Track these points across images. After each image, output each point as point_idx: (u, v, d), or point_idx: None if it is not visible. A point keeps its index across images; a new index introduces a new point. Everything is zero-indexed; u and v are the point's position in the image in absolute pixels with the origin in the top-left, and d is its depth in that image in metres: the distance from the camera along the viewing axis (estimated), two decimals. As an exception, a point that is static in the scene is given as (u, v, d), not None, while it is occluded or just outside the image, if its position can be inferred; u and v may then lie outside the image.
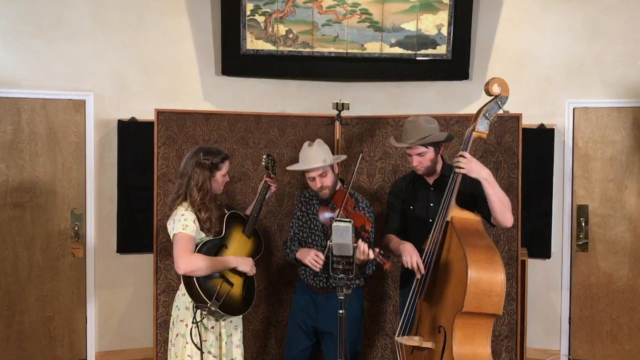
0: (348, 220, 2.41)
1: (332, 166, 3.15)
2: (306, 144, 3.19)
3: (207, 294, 2.85)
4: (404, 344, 2.87)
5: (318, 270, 3.05)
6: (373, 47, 4.52)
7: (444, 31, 4.47)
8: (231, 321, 3.09)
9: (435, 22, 4.46)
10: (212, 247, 2.97)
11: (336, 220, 2.41)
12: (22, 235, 4.25)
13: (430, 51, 4.51)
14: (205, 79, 4.59)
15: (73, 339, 4.39)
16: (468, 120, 3.69)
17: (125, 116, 4.36)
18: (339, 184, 3.23)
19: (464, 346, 2.58)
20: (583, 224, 4.42)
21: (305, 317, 3.25)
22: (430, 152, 2.98)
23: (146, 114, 4.19)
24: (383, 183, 3.99)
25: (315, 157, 3.09)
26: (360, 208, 3.16)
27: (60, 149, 4.30)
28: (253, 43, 4.48)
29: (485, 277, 2.52)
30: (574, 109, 4.44)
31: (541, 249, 4.41)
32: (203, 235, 2.98)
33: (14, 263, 4.24)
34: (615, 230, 4.38)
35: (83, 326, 4.40)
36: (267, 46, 4.49)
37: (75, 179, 4.34)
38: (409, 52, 4.52)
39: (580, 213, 4.43)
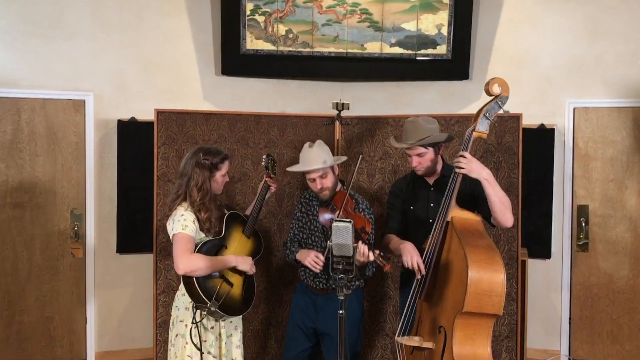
0: (348, 220, 2.40)
1: (332, 167, 3.15)
2: (307, 145, 3.18)
3: (206, 294, 2.85)
4: (404, 344, 2.86)
5: (318, 271, 3.05)
6: (373, 47, 4.52)
7: (444, 31, 4.46)
8: (231, 321, 3.09)
9: (435, 22, 4.45)
10: (212, 247, 2.97)
11: (336, 221, 2.41)
12: (21, 236, 4.24)
13: (430, 51, 4.50)
14: (205, 78, 4.58)
15: (73, 339, 4.38)
16: (468, 120, 3.69)
17: (125, 116, 4.36)
18: (339, 185, 3.22)
19: (464, 346, 2.58)
20: (583, 224, 4.41)
21: (304, 318, 3.25)
22: (429, 153, 2.98)
23: (146, 114, 4.18)
24: (383, 183, 3.98)
25: (316, 159, 3.09)
26: (361, 209, 3.15)
27: (60, 149, 4.30)
28: (253, 43, 4.47)
29: (486, 277, 2.52)
30: (574, 109, 4.44)
31: (541, 249, 4.41)
32: (203, 235, 2.97)
33: (13, 263, 4.23)
34: (616, 230, 4.37)
35: (83, 326, 4.40)
36: (267, 46, 4.48)
37: (75, 179, 4.34)
38: (409, 52, 4.51)
39: (581, 213, 4.43)
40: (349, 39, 4.50)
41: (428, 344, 2.73)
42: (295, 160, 3.36)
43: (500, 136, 3.79)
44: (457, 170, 2.72)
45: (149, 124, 3.90)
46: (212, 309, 2.84)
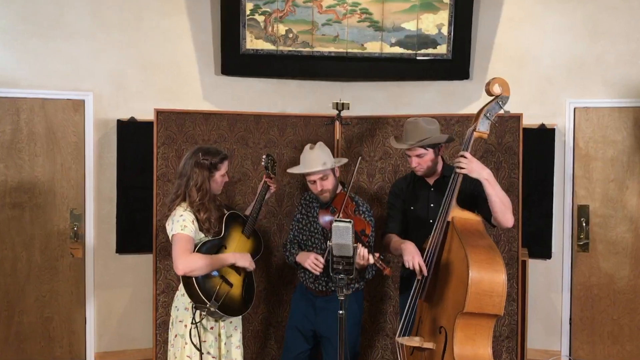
0: (348, 220, 2.40)
1: (333, 169, 3.14)
2: (307, 146, 3.17)
3: (206, 295, 2.84)
4: (405, 345, 2.86)
5: (318, 274, 3.04)
6: (373, 47, 4.51)
7: (445, 31, 4.45)
8: (231, 322, 3.08)
9: (435, 22, 4.44)
10: (212, 248, 2.96)
11: (336, 221, 2.40)
12: (21, 236, 4.23)
13: (430, 51, 4.50)
14: (205, 78, 4.57)
15: (72, 340, 4.37)
16: (468, 120, 3.68)
17: (125, 116, 4.35)
18: (340, 187, 3.21)
19: (464, 347, 2.57)
20: (584, 224, 4.41)
21: (304, 321, 3.24)
22: (429, 154, 2.97)
23: (145, 114, 4.18)
24: (383, 183, 3.97)
25: (316, 160, 3.08)
26: (361, 212, 3.14)
27: (59, 149, 4.29)
28: (253, 43, 4.47)
29: (487, 277, 2.51)
30: (574, 108, 4.43)
31: (542, 249, 4.40)
32: (202, 235, 2.97)
33: (13, 263, 4.23)
34: (616, 230, 4.37)
35: (82, 327, 4.39)
36: (266, 46, 4.48)
37: (74, 179, 4.33)
38: (409, 51, 4.51)
39: (581, 213, 4.42)
40: (349, 38, 4.49)
41: (428, 345, 2.72)
42: (295, 160, 3.35)
43: (501, 136, 3.78)
44: (458, 170, 2.72)
45: (149, 124, 3.89)
46: (212, 309, 2.84)
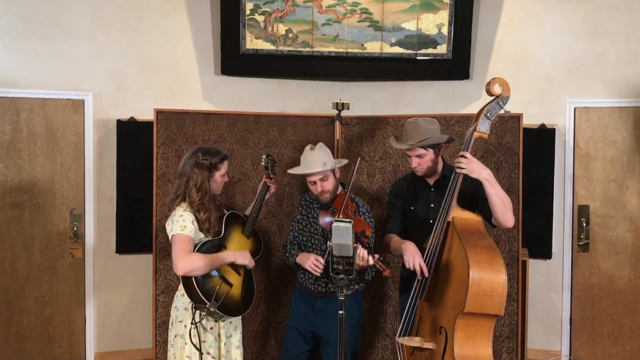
0: (348, 220, 2.39)
1: (333, 170, 3.14)
2: (308, 147, 3.17)
3: (206, 295, 2.84)
4: (405, 345, 2.85)
5: (318, 274, 3.03)
6: (373, 47, 4.50)
7: (445, 30, 4.45)
8: (230, 322, 3.08)
9: (435, 22, 4.44)
10: (211, 248, 2.96)
11: (336, 221, 2.40)
12: (20, 236, 4.23)
13: (430, 51, 4.49)
14: (205, 78, 4.57)
15: (72, 340, 4.37)
16: (469, 120, 3.68)
17: (125, 116, 4.35)
18: (340, 188, 3.21)
19: (465, 347, 2.57)
20: (584, 224, 4.40)
21: (303, 322, 3.24)
22: (429, 154, 2.97)
23: (145, 114, 4.17)
24: (383, 183, 3.97)
25: (317, 161, 3.08)
26: (361, 213, 3.14)
27: (59, 149, 4.29)
28: (253, 42, 4.46)
29: (487, 277, 2.51)
30: (575, 108, 4.42)
31: (542, 249, 4.40)
32: (202, 235, 2.96)
33: (12, 263, 4.22)
34: (617, 230, 4.36)
35: (82, 327, 4.39)
36: (266, 46, 4.47)
37: (74, 179, 4.32)
38: (409, 51, 4.50)
39: (582, 213, 4.42)
40: (349, 38, 4.49)
41: (429, 345, 2.72)
42: (295, 160, 3.35)
43: (501, 136, 3.78)
44: (458, 170, 2.71)
45: (149, 124, 3.89)
46: (212, 309, 2.83)
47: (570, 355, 4.47)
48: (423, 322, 2.85)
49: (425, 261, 2.77)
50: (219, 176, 3.02)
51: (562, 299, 4.48)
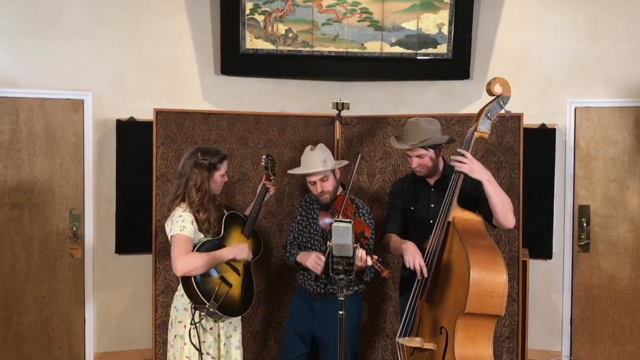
0: (348, 220, 2.39)
1: (333, 171, 3.13)
2: (308, 147, 3.17)
3: (205, 295, 2.83)
4: (405, 345, 2.84)
5: (319, 273, 3.02)
6: (373, 47, 4.50)
7: (445, 30, 4.44)
8: (230, 322, 3.07)
9: (436, 21, 4.43)
10: (211, 248, 2.95)
11: (336, 221, 2.39)
12: (20, 236, 4.22)
13: (430, 50, 4.48)
14: (205, 78, 4.56)
15: (71, 340, 4.36)
16: (469, 120, 3.68)
17: (124, 116, 4.34)
18: (340, 189, 3.20)
19: (465, 347, 2.56)
20: (585, 224, 4.39)
21: (302, 323, 3.23)
22: (430, 154, 2.96)
23: (145, 114, 4.16)
24: (383, 183, 3.96)
25: (317, 161, 3.07)
26: (361, 214, 3.13)
27: (59, 149, 4.28)
28: (252, 42, 4.45)
29: (488, 277, 2.50)
30: (575, 108, 4.42)
31: (542, 249, 4.39)
32: (202, 236, 2.95)
33: (12, 264, 4.21)
34: (617, 230, 4.35)
35: (81, 327, 4.38)
36: (266, 45, 4.46)
37: (73, 179, 4.32)
38: (410, 51, 4.49)
39: (582, 213, 4.41)
40: (349, 38, 4.48)
41: (429, 345, 2.71)
42: (295, 160, 3.34)
43: (501, 136, 3.77)
44: (457, 167, 2.70)
45: (148, 124, 3.88)
46: (211, 309, 2.82)
47: (570, 355, 4.46)
48: (423, 323, 2.84)
49: (425, 261, 2.76)
50: (219, 176, 3.01)
51: (563, 299, 4.47)
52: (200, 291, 2.82)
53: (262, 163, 3.33)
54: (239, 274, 3.03)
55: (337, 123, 3.94)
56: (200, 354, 2.88)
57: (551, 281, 4.49)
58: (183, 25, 4.50)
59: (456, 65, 4.50)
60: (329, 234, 2.89)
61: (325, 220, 3.04)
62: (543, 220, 4.35)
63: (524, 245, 3.97)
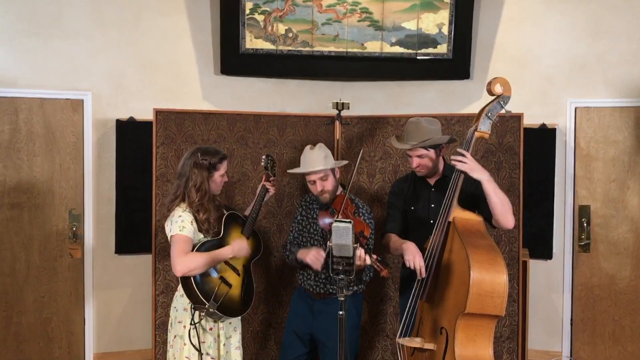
0: (348, 220, 2.38)
1: (333, 171, 3.13)
2: (308, 147, 3.17)
3: (205, 295, 2.82)
4: (405, 346, 2.84)
5: (318, 268, 3.01)
6: (373, 46, 4.49)
7: (445, 30, 4.44)
8: (230, 322, 3.07)
9: (436, 21, 4.43)
10: (211, 248, 2.94)
11: (336, 221, 2.39)
12: (19, 236, 4.22)
13: (431, 50, 4.48)
14: (204, 78, 4.55)
15: (71, 341, 4.36)
16: (469, 120, 3.68)
17: (124, 116, 4.33)
18: (340, 189, 3.20)
19: (466, 348, 2.56)
20: (585, 224, 4.39)
21: (301, 324, 3.22)
22: (431, 154, 2.96)
23: (145, 114, 4.16)
24: (383, 183, 3.96)
25: (317, 160, 3.07)
26: (361, 214, 3.13)
27: (58, 149, 4.27)
28: (252, 42, 4.45)
29: (488, 278, 2.50)
30: (576, 108, 4.41)
31: (543, 249, 4.38)
32: (201, 236, 2.95)
33: (11, 264, 4.21)
34: (618, 230, 4.35)
35: (81, 328, 4.37)
36: (266, 45, 4.46)
37: (73, 179, 4.31)
38: (410, 51, 4.49)
39: (582, 213, 4.40)
40: (349, 38, 4.47)
41: (429, 345, 2.71)
42: (295, 160, 3.34)
43: (502, 136, 3.77)
44: (458, 166, 2.70)
45: (148, 124, 3.88)
46: (211, 310, 2.82)
47: (571, 356, 4.46)
48: (423, 323, 2.84)
49: (425, 261, 2.76)
50: (219, 176, 3.01)
51: (563, 300, 4.46)
52: (200, 291, 2.82)
53: (262, 163, 3.32)
54: (238, 274, 3.03)
55: (337, 123, 3.94)
56: (200, 354, 2.88)
57: (551, 281, 4.48)
58: (183, 25, 4.50)
59: (456, 65, 4.49)
60: (328, 234, 2.89)
61: (325, 220, 3.03)
62: (543, 221, 4.35)
63: (524, 246, 3.97)
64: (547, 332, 4.50)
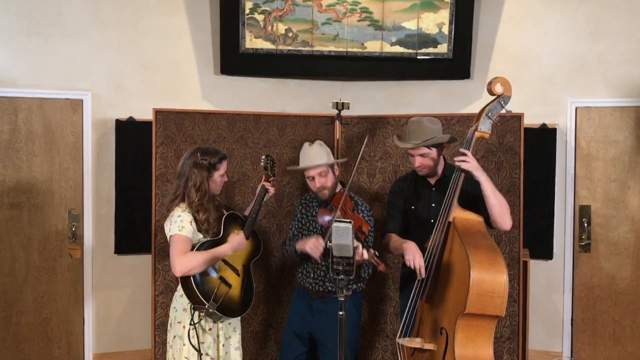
0: (348, 220, 2.38)
1: (332, 167, 3.13)
2: (306, 144, 3.17)
3: (205, 295, 2.82)
4: (405, 346, 2.83)
5: (318, 257, 2.99)
6: (373, 46, 4.48)
7: (445, 30, 4.43)
8: (230, 323, 3.06)
9: (436, 21, 4.42)
10: (210, 248, 2.93)
11: (336, 221, 2.38)
12: (19, 236, 4.21)
13: (431, 50, 4.47)
14: (204, 78, 4.55)
15: (70, 341, 4.35)
16: (469, 119, 3.67)
17: (123, 116, 4.32)
18: (339, 186, 3.20)
19: (466, 348, 2.56)
20: (585, 224, 4.38)
21: (300, 323, 3.22)
22: (433, 153, 2.96)
23: (144, 114, 4.15)
24: (383, 183, 3.95)
25: (315, 156, 3.08)
26: (360, 211, 3.13)
27: (58, 149, 4.27)
28: (252, 42, 4.44)
29: (488, 278, 2.50)
30: (576, 108, 4.40)
31: (543, 249, 4.38)
32: (201, 236, 2.94)
33: (10, 264, 4.20)
34: (618, 231, 4.34)
35: (80, 328, 4.37)
36: (266, 45, 4.45)
37: (72, 179, 4.30)
38: (410, 51, 4.48)
39: (583, 213, 4.39)
40: (349, 37, 4.47)
41: (429, 346, 2.71)
42: (295, 160, 3.33)
43: (502, 136, 3.76)
44: (463, 166, 2.70)
45: (147, 124, 3.87)
46: (211, 310, 2.81)
47: (571, 356, 4.45)
48: (423, 323, 2.83)
49: (425, 261, 2.76)
50: (218, 176, 3.00)
51: (564, 300, 4.46)
52: (200, 291, 2.81)
53: (262, 163, 3.31)
54: (238, 275, 3.02)
55: (337, 123, 3.93)
56: (200, 354, 2.87)
57: (552, 281, 4.48)
58: (183, 25, 4.49)
59: (456, 64, 4.48)
60: (325, 231, 2.90)
61: (324, 218, 3.03)
62: (544, 221, 4.34)
63: (525, 246, 3.96)
64: (547, 332, 4.49)
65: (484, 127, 2.75)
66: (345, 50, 4.48)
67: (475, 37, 4.52)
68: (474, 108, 4.27)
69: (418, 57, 4.49)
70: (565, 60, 4.43)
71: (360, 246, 2.76)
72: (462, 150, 2.74)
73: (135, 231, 4.24)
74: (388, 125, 3.96)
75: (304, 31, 4.46)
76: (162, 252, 3.73)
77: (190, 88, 4.53)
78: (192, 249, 2.87)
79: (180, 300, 2.95)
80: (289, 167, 3.29)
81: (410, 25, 4.44)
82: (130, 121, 4.30)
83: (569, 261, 4.43)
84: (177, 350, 2.92)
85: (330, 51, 4.49)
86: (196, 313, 2.87)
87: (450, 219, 2.72)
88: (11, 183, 4.18)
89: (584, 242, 4.39)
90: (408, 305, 2.81)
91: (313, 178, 3.08)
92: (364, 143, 3.12)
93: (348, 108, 3.88)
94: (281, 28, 4.44)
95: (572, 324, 4.45)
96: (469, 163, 2.70)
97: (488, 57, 4.55)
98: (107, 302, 4.42)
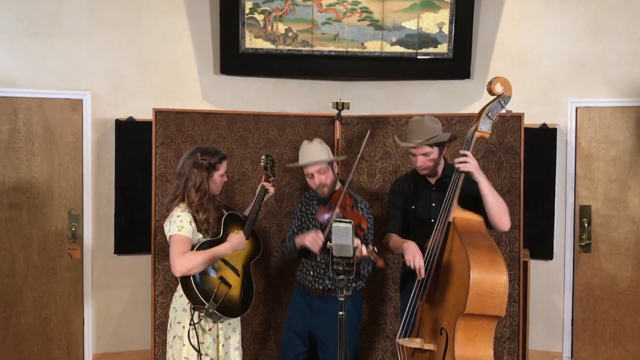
0: (348, 220, 2.37)
1: (331, 165, 3.12)
2: (305, 141, 3.18)
3: (204, 296, 2.81)
4: (405, 346, 2.83)
5: (317, 250, 2.98)
6: (373, 46, 4.48)
7: (445, 29, 4.42)
8: (229, 323, 3.06)
9: (436, 21, 4.42)
10: (210, 248, 2.93)
11: (336, 221, 2.38)
12: (18, 236, 4.21)
13: (431, 50, 4.47)
14: (204, 78, 4.55)
15: (70, 341, 4.35)
16: (469, 119, 3.66)
17: (123, 116, 4.32)
18: (339, 184, 3.19)
19: (466, 348, 2.55)
20: (586, 224, 4.37)
21: (300, 322, 3.21)
22: (434, 152, 2.96)
23: (144, 114, 4.14)
24: (383, 183, 3.95)
25: (314, 153, 3.08)
26: (359, 208, 3.13)
27: (57, 149, 4.26)
28: (252, 42, 4.44)
29: (488, 278, 2.49)
30: (576, 108, 4.40)
31: (543, 250, 4.37)
32: (201, 236, 2.94)
33: (10, 264, 4.20)
34: (619, 231, 4.34)
35: (80, 328, 4.36)
36: (266, 45, 4.45)
37: (72, 179, 4.30)
38: (410, 50, 4.48)
39: (583, 214, 4.39)
40: (349, 37, 4.46)
41: (429, 346, 2.70)
42: (295, 160, 3.32)
43: (502, 136, 3.75)
44: (463, 167, 2.70)
45: (147, 124, 3.87)
46: (210, 310, 2.81)
47: (571, 356, 4.45)
48: (423, 323, 2.83)
49: (425, 261, 2.75)
50: (218, 176, 3.00)
51: (564, 300, 4.45)
52: (200, 291, 2.81)
53: (262, 163, 3.31)
54: (238, 275, 3.02)
55: (337, 123, 3.93)
56: (199, 354, 2.87)
57: (552, 282, 4.47)
58: (183, 25, 4.49)
59: (457, 64, 4.48)
60: (324, 228, 2.90)
61: (323, 216, 3.03)
62: (544, 221, 4.34)
63: (525, 246, 3.96)
64: (547, 332, 4.49)
65: (484, 127, 2.75)
66: (345, 50, 4.48)
67: (475, 37, 4.51)
68: (474, 108, 4.27)
69: (418, 57, 4.49)
70: (566, 60, 4.43)
71: (359, 241, 2.76)
72: (462, 151, 2.74)
73: (135, 231, 4.24)
74: (388, 125, 3.96)
75: (304, 31, 4.45)
76: (161, 252, 3.73)
77: (190, 88, 4.52)
78: (191, 249, 2.86)
79: (180, 301, 2.95)
80: (288, 165, 3.29)
81: (411, 25, 4.44)
82: (130, 121, 4.30)
83: (569, 261, 4.43)
84: (176, 350, 2.92)
85: (330, 51, 4.49)
86: (196, 313, 2.87)
87: (450, 219, 2.72)
88: (11, 183, 4.18)
89: (584, 242, 4.38)
90: (408, 305, 2.81)
91: (312, 175, 3.08)
92: (365, 138, 3.11)
93: (348, 108, 3.88)
94: (281, 28, 4.44)
95: (572, 324, 4.44)
96: (470, 164, 2.70)
97: (488, 57, 4.55)
98: (107, 302, 4.41)
